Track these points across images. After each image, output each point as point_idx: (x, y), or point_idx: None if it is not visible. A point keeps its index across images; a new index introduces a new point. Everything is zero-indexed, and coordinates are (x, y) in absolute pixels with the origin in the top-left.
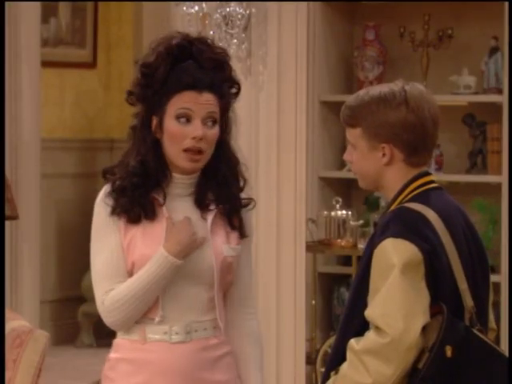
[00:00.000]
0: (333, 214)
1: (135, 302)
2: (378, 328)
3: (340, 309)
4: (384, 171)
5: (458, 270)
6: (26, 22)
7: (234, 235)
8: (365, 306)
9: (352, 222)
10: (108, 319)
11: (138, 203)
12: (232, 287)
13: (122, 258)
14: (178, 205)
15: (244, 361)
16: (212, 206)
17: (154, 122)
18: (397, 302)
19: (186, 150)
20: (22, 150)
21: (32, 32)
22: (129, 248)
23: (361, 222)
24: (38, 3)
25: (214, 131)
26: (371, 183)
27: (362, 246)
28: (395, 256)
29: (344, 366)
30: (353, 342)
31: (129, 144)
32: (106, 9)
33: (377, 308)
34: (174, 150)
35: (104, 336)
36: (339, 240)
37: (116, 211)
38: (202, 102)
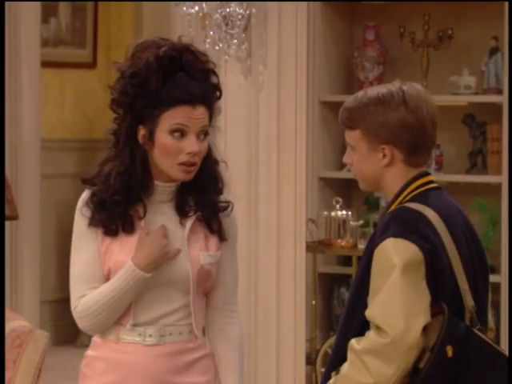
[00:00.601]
0: (333, 214)
1: (104, 311)
2: (378, 328)
3: (340, 309)
4: (384, 172)
5: (459, 270)
6: (26, 22)
7: (214, 240)
8: (365, 306)
9: (352, 223)
10: (80, 324)
11: (117, 219)
12: (214, 291)
13: (98, 265)
14: (159, 211)
15: (224, 365)
16: (191, 213)
17: (142, 132)
18: (397, 301)
19: (181, 164)
20: (22, 151)
21: (32, 32)
22: (106, 254)
23: (361, 222)
24: (38, 3)
25: (206, 144)
26: (371, 184)
27: (362, 246)
28: (396, 256)
29: (345, 366)
30: (353, 342)
31: (109, 151)
32: (106, 9)
33: (377, 308)
34: (167, 163)
35: None
36: (339, 240)
37: (93, 223)
38: (196, 117)
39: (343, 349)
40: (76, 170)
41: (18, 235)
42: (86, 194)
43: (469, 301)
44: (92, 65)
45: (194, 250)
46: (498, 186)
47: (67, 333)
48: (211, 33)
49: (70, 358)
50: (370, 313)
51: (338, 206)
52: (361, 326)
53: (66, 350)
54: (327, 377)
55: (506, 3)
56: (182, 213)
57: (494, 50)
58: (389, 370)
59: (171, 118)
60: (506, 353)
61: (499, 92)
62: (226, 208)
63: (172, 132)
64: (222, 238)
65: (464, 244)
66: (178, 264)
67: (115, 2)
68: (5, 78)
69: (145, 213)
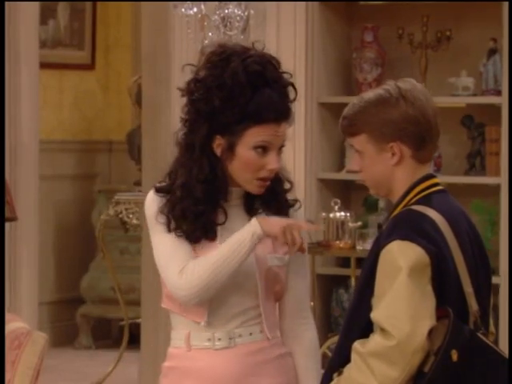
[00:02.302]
0: (331, 215)
1: (217, 269)
2: (384, 330)
3: (338, 310)
4: (394, 172)
5: (464, 273)
6: (24, 24)
7: (281, 243)
8: (369, 307)
9: (351, 224)
10: (186, 291)
11: (199, 227)
12: (285, 298)
13: (188, 246)
14: (231, 213)
15: (301, 371)
16: (260, 213)
17: (219, 142)
18: (403, 304)
19: (260, 179)
20: (21, 152)
21: (30, 33)
22: None
23: (359, 223)
24: (37, 5)
25: (281, 157)
26: (382, 187)
27: (360, 247)
28: (402, 259)
29: (348, 368)
30: (358, 344)
31: (179, 156)
32: (105, 10)
33: (383, 310)
34: (245, 176)
35: (102, 337)
36: (338, 241)
37: (176, 233)
38: (280, 134)
39: (345, 349)
40: (74, 172)
41: (17, 236)
42: (153, 198)
43: (473, 304)
44: (90, 66)
45: (261, 252)
46: (497, 188)
47: (66, 334)
48: (210, 34)
49: (69, 359)
50: (375, 315)
51: (336, 207)
52: (364, 328)
53: (64, 352)
54: (329, 377)
55: (505, 4)
56: (250, 214)
57: (493, 52)
58: (393, 373)
59: (257, 134)
60: (507, 356)
61: (498, 93)
62: (293, 205)
63: (255, 148)
64: None
65: (468, 247)
66: (244, 266)
67: (114, 2)
68: (4, 79)
69: (226, 218)
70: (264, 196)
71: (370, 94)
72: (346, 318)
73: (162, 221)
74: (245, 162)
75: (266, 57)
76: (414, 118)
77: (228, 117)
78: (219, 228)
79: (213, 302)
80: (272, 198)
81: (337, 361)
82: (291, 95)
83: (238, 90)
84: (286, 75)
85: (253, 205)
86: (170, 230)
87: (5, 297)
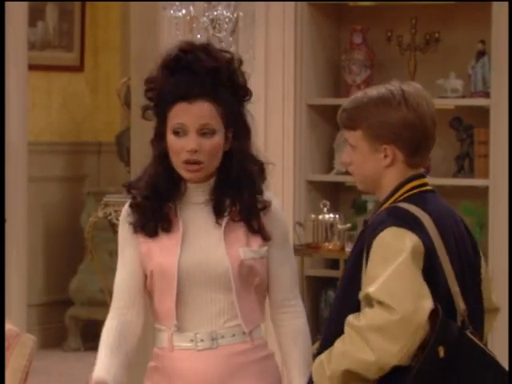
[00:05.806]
0: (320, 217)
1: None
2: (383, 304)
3: (327, 311)
4: (384, 172)
5: (449, 273)
6: (13, 25)
7: (256, 238)
8: (354, 303)
9: (339, 226)
10: None
11: (151, 218)
12: (272, 289)
13: (135, 279)
14: (194, 212)
15: (287, 362)
16: (226, 213)
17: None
18: (406, 282)
19: (184, 162)
20: (10, 154)
21: (19, 35)
22: (147, 256)
23: (348, 225)
24: (26, 6)
25: (212, 141)
26: (370, 185)
27: (349, 249)
28: (401, 242)
29: (342, 343)
30: (352, 318)
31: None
32: (94, 12)
33: (383, 286)
34: (175, 162)
35: (91, 339)
36: (327, 243)
37: (135, 229)
38: (194, 113)
39: (330, 343)
40: (63, 173)
41: (6, 238)
42: (128, 203)
43: (460, 304)
44: (79, 68)
45: (233, 247)
46: (485, 190)
47: (54, 336)
48: (198, 36)
49: (58, 361)
50: (373, 291)
51: (325, 209)
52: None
53: (53, 354)
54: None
55: (495, 5)
56: (217, 213)
57: (481, 54)
58: (394, 348)
59: (172, 117)
60: (497, 357)
61: (486, 95)
62: (263, 208)
63: (174, 131)
64: (264, 237)
65: (454, 247)
66: (216, 262)
67: (103, 3)
68: (5, 80)
69: (176, 211)
70: (231, 197)
71: (373, 92)
72: (330, 315)
73: (130, 221)
74: (170, 147)
75: (201, 44)
76: (413, 124)
77: (155, 105)
78: (183, 223)
79: (185, 303)
80: (239, 199)
81: (324, 346)
82: (222, 75)
83: (158, 77)
84: (223, 61)
85: (220, 206)
86: (133, 230)
87: (5, 298)
